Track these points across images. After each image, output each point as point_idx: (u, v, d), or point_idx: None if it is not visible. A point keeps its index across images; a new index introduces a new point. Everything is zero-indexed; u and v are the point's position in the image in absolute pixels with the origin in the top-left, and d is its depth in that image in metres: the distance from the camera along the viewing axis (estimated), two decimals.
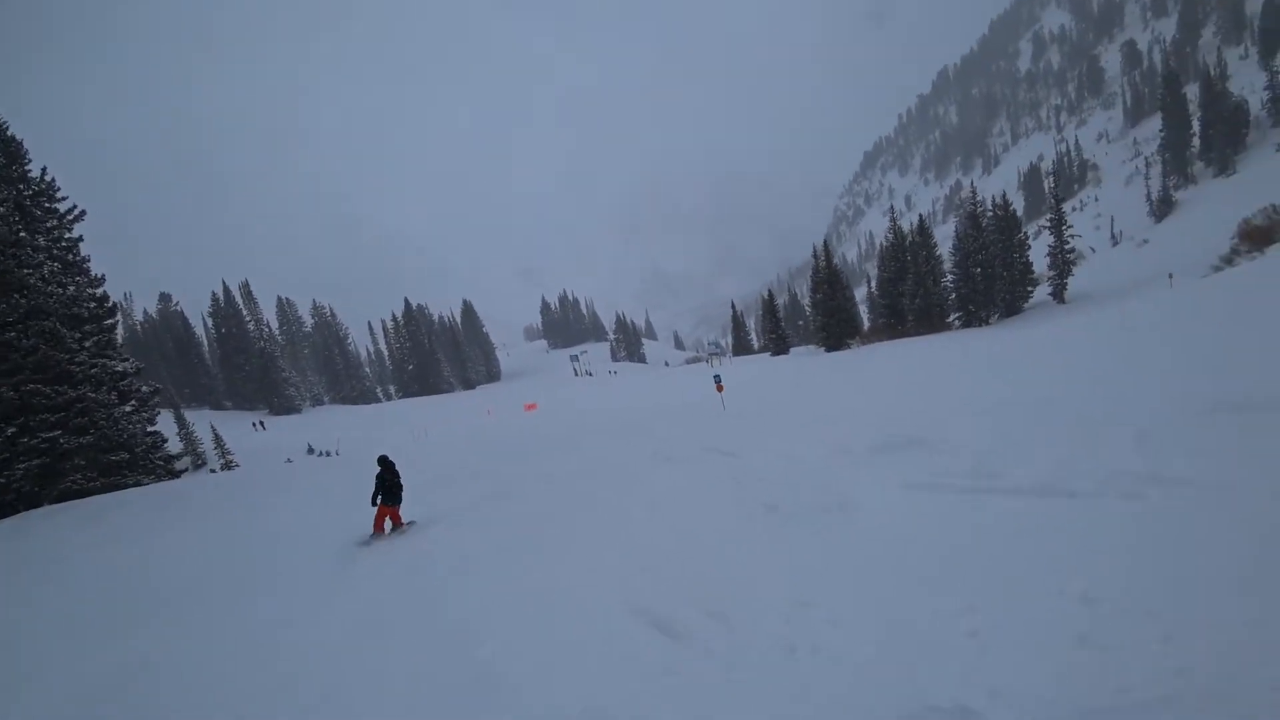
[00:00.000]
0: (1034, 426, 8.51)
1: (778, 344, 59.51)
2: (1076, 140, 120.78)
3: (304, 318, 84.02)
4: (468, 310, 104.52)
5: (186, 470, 22.04)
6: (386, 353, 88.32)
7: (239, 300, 67.25)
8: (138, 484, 17.89)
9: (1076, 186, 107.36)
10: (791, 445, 10.35)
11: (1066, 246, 43.78)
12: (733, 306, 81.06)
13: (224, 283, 66.35)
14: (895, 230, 51.85)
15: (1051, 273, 44.80)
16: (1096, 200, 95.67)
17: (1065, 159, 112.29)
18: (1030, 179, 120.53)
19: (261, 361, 62.60)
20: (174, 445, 29.52)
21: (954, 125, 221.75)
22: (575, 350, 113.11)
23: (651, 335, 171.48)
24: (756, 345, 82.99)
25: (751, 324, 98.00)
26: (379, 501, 8.98)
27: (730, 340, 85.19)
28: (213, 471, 30.15)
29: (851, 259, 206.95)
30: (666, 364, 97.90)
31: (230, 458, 32.60)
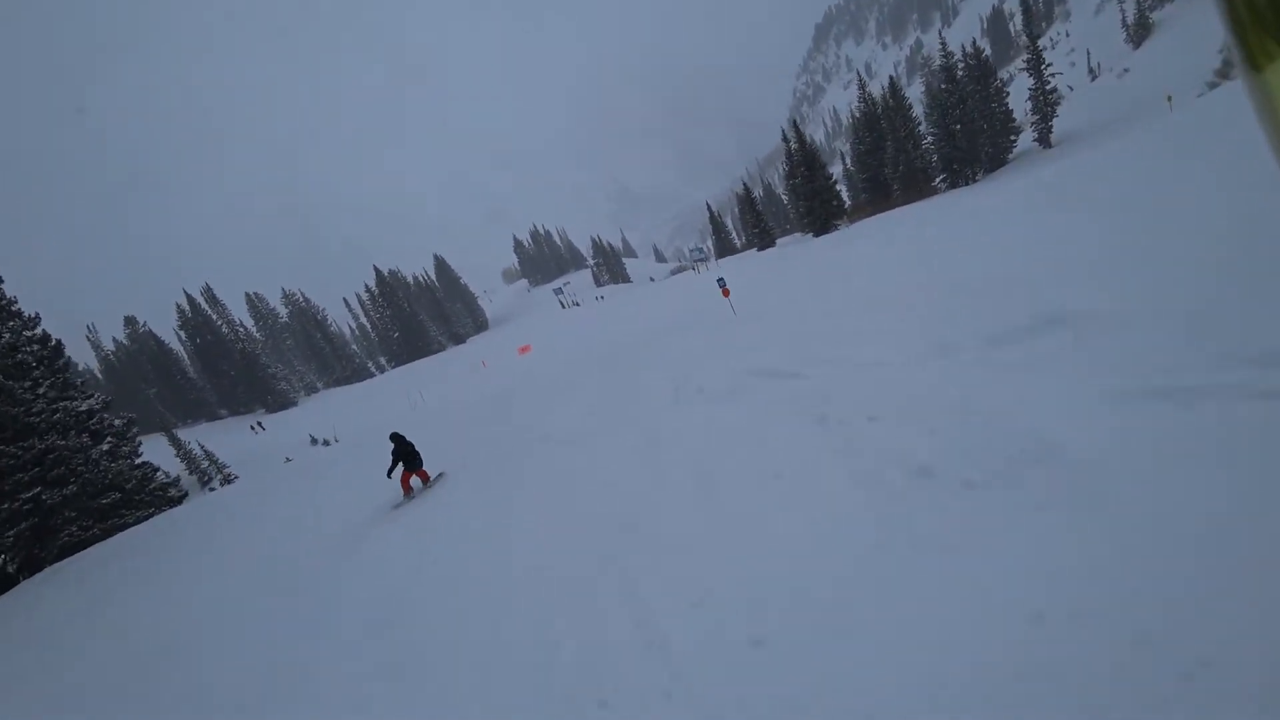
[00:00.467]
0: (1200, 272, 5.19)
1: (763, 237, 57.60)
2: None
3: (277, 309, 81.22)
4: (440, 265, 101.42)
5: (186, 495, 21.17)
6: (369, 325, 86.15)
7: (205, 307, 64.88)
8: (140, 521, 17.04)
9: (1044, 24, 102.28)
10: (864, 349, 7.36)
11: (1048, 87, 41.55)
12: (708, 208, 78.52)
13: (185, 292, 63.79)
14: (866, 99, 49.07)
15: (1034, 117, 42.78)
16: (1067, 36, 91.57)
17: None
18: (994, 24, 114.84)
19: (244, 362, 61.00)
20: (173, 468, 28.62)
21: None
22: (558, 283, 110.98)
23: (631, 254, 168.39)
24: (740, 243, 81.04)
25: (729, 223, 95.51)
26: (404, 469, 9.26)
27: (712, 243, 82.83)
28: (211, 490, 29.09)
29: (819, 139, 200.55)
30: (651, 279, 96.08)
31: (226, 471, 31.57)
